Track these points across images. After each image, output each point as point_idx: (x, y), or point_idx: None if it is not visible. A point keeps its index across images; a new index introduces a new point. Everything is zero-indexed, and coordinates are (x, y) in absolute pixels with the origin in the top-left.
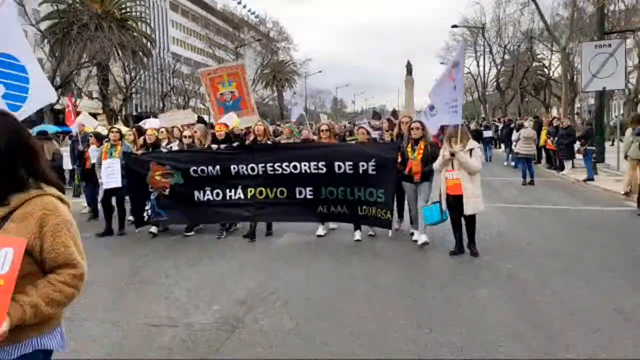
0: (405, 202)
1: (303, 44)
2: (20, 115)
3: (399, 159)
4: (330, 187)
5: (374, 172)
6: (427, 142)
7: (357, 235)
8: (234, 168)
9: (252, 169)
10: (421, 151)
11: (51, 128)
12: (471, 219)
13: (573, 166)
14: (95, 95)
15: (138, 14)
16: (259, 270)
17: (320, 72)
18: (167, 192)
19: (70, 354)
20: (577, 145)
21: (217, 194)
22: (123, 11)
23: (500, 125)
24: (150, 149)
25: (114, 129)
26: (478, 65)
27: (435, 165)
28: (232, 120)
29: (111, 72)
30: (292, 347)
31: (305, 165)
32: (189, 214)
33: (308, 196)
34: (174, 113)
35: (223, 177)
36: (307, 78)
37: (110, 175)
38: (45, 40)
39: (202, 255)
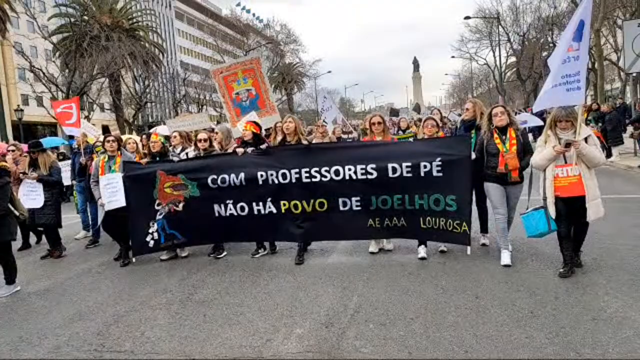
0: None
1: (311, 45)
2: None
3: (473, 155)
4: (383, 195)
5: (440, 174)
6: (518, 130)
7: (422, 251)
8: (262, 176)
9: (284, 176)
10: (514, 141)
11: (57, 141)
12: (584, 228)
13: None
14: (107, 107)
15: (146, 23)
16: (329, 286)
17: (329, 72)
18: (180, 206)
19: None
20: (629, 129)
21: (242, 208)
22: (131, 21)
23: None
24: (158, 158)
25: (110, 138)
26: (494, 56)
27: (538, 160)
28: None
29: (124, 82)
30: None
31: (350, 169)
32: (210, 232)
33: (355, 207)
34: (185, 118)
35: (248, 187)
36: (317, 79)
37: (112, 194)
38: (57, 53)
39: (251, 274)
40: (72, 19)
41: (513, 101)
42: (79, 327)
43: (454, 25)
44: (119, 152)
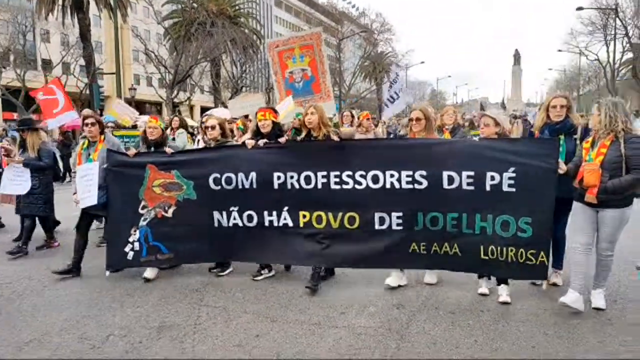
0: (567, 233)
1: (405, 35)
2: None
3: (564, 169)
4: (434, 212)
5: (513, 189)
6: (622, 135)
7: (483, 285)
8: (279, 178)
9: (308, 180)
10: (603, 150)
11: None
12: None
13: None
14: (206, 89)
15: (247, 10)
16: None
17: (422, 62)
18: (169, 212)
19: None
20: None
21: (250, 218)
22: (235, 9)
23: None
24: (152, 148)
25: (89, 120)
26: (608, 51)
27: None
28: (286, 108)
29: (224, 66)
30: None
31: (392, 175)
32: (205, 247)
33: (395, 227)
34: (246, 98)
35: (261, 191)
36: (408, 69)
37: (86, 188)
38: (167, 37)
39: (251, 303)
40: (183, 6)
41: (627, 101)
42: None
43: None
44: (102, 138)
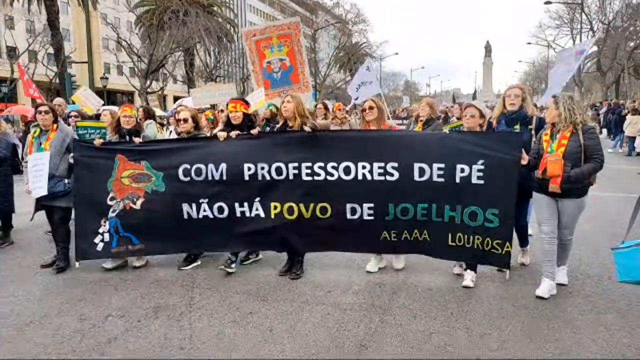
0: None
1: (378, 24)
2: None
3: (526, 160)
4: (405, 203)
5: (481, 181)
6: (581, 127)
7: (468, 278)
8: (249, 169)
9: (279, 171)
10: (564, 141)
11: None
12: None
13: None
14: (179, 79)
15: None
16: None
17: (396, 54)
18: (138, 203)
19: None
20: None
21: (221, 209)
22: None
23: (603, 109)
24: (127, 138)
25: (42, 108)
26: (574, 45)
27: None
28: (257, 100)
29: (198, 55)
30: None
31: (364, 167)
32: (175, 240)
33: (366, 217)
34: (211, 88)
35: (231, 183)
36: (382, 61)
37: (37, 178)
38: (139, 25)
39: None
40: None
41: (592, 93)
42: None
43: (532, 11)
44: (55, 126)
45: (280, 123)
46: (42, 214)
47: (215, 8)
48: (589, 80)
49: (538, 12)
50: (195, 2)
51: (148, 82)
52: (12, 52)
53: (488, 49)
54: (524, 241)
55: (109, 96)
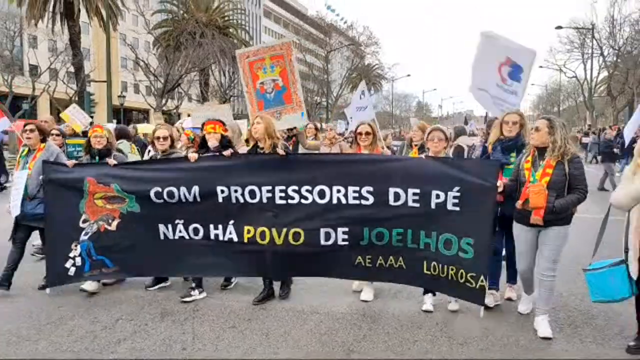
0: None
1: (391, 48)
2: None
3: (501, 185)
4: (380, 227)
5: (457, 208)
6: (566, 156)
7: (428, 302)
8: (222, 191)
9: (252, 194)
10: (549, 170)
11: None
12: None
13: None
14: (194, 97)
15: (237, 21)
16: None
17: (408, 75)
18: (113, 225)
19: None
20: None
21: (196, 231)
22: (225, 19)
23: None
24: (97, 158)
25: (29, 127)
26: (585, 69)
27: (621, 197)
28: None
29: (213, 75)
30: None
31: (339, 191)
32: (152, 260)
33: (340, 242)
34: (210, 108)
35: (204, 205)
36: (395, 82)
37: (15, 197)
38: (157, 46)
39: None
40: (173, 15)
41: (606, 117)
42: None
43: (543, 35)
44: (42, 145)
45: (251, 145)
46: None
47: (231, 30)
48: (600, 104)
49: (550, 36)
50: (211, 24)
51: (164, 101)
52: (34, 70)
53: None
54: (513, 275)
55: (125, 113)
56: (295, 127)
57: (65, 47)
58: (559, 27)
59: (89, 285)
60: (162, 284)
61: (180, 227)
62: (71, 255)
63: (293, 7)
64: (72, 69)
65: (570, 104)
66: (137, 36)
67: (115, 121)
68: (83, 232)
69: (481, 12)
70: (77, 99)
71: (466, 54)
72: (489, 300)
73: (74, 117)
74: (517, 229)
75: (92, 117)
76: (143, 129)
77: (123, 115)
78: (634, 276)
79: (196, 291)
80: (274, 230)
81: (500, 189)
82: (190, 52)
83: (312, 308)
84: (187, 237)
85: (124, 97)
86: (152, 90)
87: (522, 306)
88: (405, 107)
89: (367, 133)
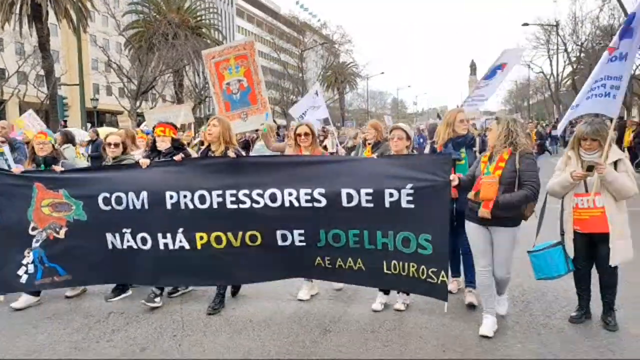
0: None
1: (365, 43)
2: None
3: (456, 179)
4: (336, 229)
5: (412, 205)
6: (519, 152)
7: (378, 301)
8: (172, 197)
9: (202, 200)
10: (502, 164)
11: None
12: (612, 273)
13: None
14: (168, 99)
15: (209, 21)
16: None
17: (382, 73)
18: (61, 233)
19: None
20: None
21: (144, 240)
22: (197, 19)
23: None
24: (43, 165)
25: None
26: (551, 64)
27: (554, 185)
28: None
29: (187, 76)
30: None
31: (290, 194)
32: (102, 269)
33: (298, 243)
34: (166, 109)
35: (153, 212)
36: (369, 80)
37: None
38: (128, 47)
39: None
40: (144, 16)
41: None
42: None
43: (511, 32)
44: None
45: (205, 146)
46: None
47: (204, 30)
48: (567, 99)
49: (517, 33)
50: (183, 24)
51: (138, 103)
52: (1, 74)
53: (473, 68)
54: (468, 275)
55: (99, 116)
56: (259, 129)
57: (33, 50)
58: (526, 24)
59: (70, 291)
60: (125, 294)
61: (127, 236)
62: (24, 262)
63: (266, 6)
64: (42, 72)
65: (539, 98)
66: (108, 37)
67: (89, 124)
68: (34, 240)
69: (453, 9)
70: (48, 102)
71: (439, 51)
72: (452, 286)
73: (29, 124)
74: (471, 227)
75: (65, 121)
76: (105, 132)
77: (97, 117)
78: (571, 255)
79: (158, 296)
80: (229, 234)
81: (454, 183)
82: (163, 53)
83: (290, 295)
84: (135, 246)
85: (96, 100)
86: (126, 92)
87: (500, 308)
88: (381, 104)
89: (306, 134)
